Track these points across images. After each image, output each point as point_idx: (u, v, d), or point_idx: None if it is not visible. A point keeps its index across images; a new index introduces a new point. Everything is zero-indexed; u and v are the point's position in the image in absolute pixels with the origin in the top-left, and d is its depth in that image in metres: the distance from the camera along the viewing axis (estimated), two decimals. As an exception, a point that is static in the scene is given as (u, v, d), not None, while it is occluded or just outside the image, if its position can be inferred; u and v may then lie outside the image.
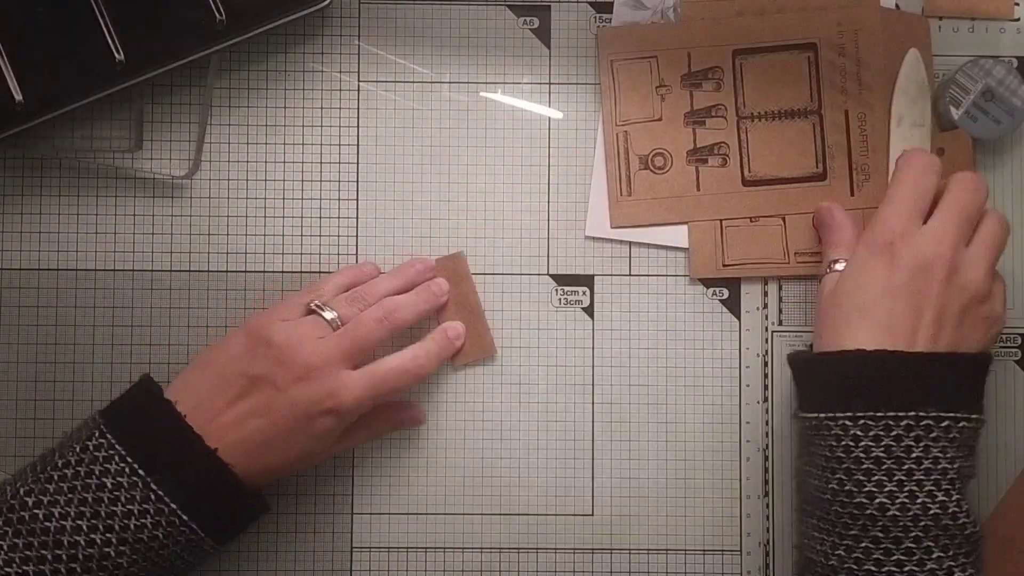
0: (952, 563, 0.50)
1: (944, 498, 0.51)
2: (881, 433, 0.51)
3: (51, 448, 0.53)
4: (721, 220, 0.62)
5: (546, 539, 0.61)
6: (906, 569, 0.50)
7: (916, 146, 0.60)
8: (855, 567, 0.51)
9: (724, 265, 0.62)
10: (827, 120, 0.62)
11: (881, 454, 0.51)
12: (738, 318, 0.62)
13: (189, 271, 0.62)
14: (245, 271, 0.62)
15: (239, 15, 0.59)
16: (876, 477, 0.51)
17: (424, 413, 0.61)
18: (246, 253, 0.62)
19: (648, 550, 0.61)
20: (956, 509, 0.51)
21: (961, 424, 0.52)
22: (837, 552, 0.52)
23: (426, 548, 0.61)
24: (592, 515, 0.61)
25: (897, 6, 0.63)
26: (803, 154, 0.62)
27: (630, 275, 0.62)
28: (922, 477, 0.51)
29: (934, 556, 0.50)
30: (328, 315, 0.56)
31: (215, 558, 0.61)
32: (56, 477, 0.51)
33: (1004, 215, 0.56)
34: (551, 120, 0.63)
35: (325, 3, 0.60)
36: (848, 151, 0.62)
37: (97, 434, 0.51)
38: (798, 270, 0.62)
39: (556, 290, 0.62)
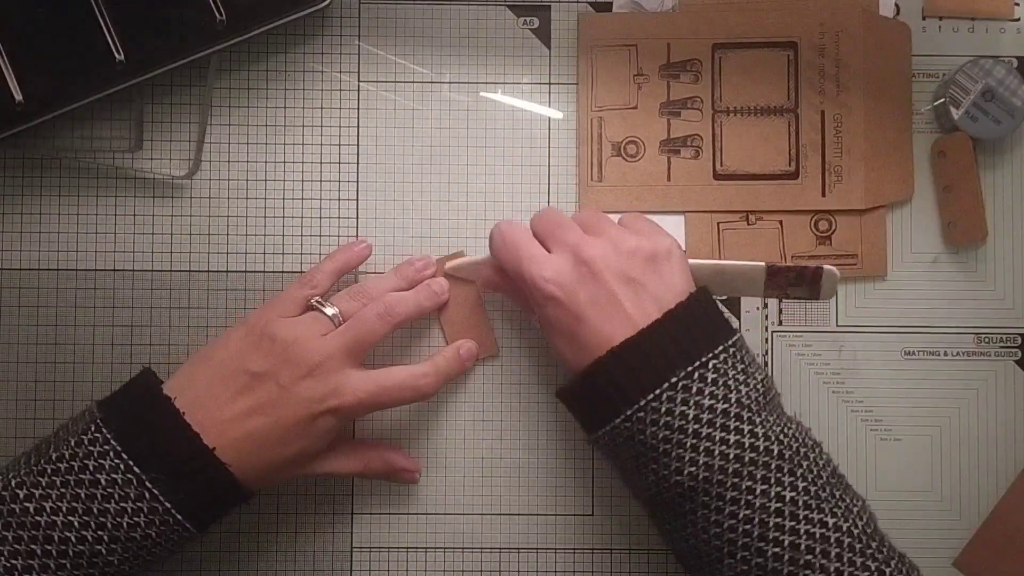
0: (779, 488, 0.49)
1: (737, 436, 0.50)
2: (655, 416, 0.50)
3: (46, 439, 0.53)
4: (718, 223, 0.62)
5: (546, 539, 0.61)
6: (740, 516, 0.49)
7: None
8: (708, 540, 0.50)
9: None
10: (803, 119, 0.62)
11: (665, 432, 0.50)
12: (738, 318, 0.62)
13: (189, 271, 0.62)
14: (245, 271, 0.62)
15: (239, 15, 0.59)
16: (674, 453, 0.50)
17: (419, 475, 0.61)
18: (246, 253, 0.62)
19: (648, 550, 0.61)
20: (752, 439, 0.50)
21: (712, 362, 0.51)
22: (684, 536, 0.51)
23: (426, 548, 0.61)
24: (592, 515, 0.61)
25: (897, 7, 0.63)
26: (777, 152, 0.62)
27: (630, 275, 0.62)
28: (708, 430, 0.50)
29: (756, 491, 0.49)
30: (329, 311, 0.56)
31: (215, 558, 0.61)
32: (49, 471, 0.50)
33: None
34: (551, 120, 0.63)
35: (325, 3, 0.60)
36: (822, 151, 0.62)
37: (93, 428, 0.51)
38: (797, 271, 0.62)
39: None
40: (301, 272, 0.61)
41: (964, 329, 0.62)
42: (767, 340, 0.62)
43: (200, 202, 0.62)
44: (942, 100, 0.61)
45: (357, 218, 0.62)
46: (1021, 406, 0.62)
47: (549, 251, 0.55)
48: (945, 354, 0.62)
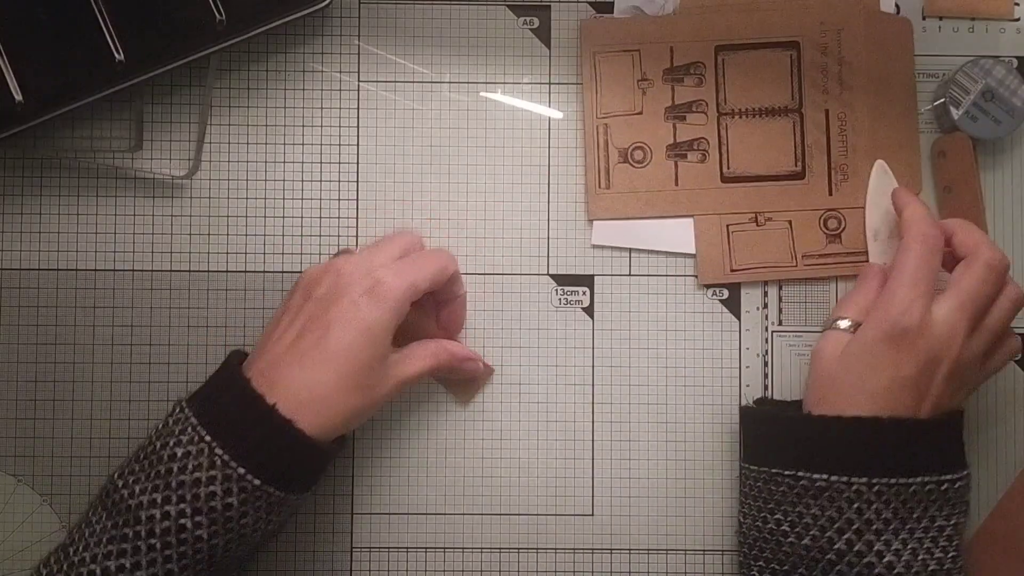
0: None
1: (941, 554, 0.52)
2: (892, 497, 0.52)
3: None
4: (727, 225, 0.62)
5: (546, 539, 0.61)
6: None
7: (921, 214, 0.57)
8: None
9: (732, 270, 0.62)
10: (807, 119, 0.62)
11: (890, 515, 0.52)
12: (738, 318, 0.62)
13: (189, 271, 0.62)
14: (245, 271, 0.62)
15: (239, 15, 0.59)
16: (884, 537, 0.52)
17: (485, 366, 0.61)
18: (246, 253, 0.62)
19: (648, 550, 0.61)
20: (951, 565, 0.53)
21: (957, 484, 0.53)
22: None
23: (426, 548, 0.61)
24: (592, 515, 0.61)
25: (897, 7, 0.63)
26: (782, 152, 0.62)
27: (630, 275, 0.62)
28: (922, 535, 0.52)
29: None
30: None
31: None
32: (141, 456, 0.52)
33: (1021, 289, 0.56)
34: (551, 120, 0.63)
35: (325, 3, 0.60)
36: (827, 150, 0.62)
37: (177, 409, 0.52)
38: (806, 273, 0.62)
39: (556, 290, 0.62)
40: (300, 272, 0.61)
41: (964, 329, 0.62)
42: (767, 340, 0.62)
43: (200, 202, 0.62)
44: (942, 100, 0.61)
45: (357, 218, 0.62)
46: (1021, 406, 0.62)
47: (947, 292, 0.55)
48: (945, 354, 0.62)
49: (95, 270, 0.61)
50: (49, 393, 0.61)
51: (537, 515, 0.61)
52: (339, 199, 0.62)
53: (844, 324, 0.56)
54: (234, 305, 0.61)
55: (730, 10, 0.62)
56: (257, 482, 0.50)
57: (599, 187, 0.62)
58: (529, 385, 0.62)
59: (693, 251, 0.62)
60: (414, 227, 0.62)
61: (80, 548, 0.50)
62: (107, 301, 0.61)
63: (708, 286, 0.62)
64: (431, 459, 0.62)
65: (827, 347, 0.56)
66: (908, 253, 0.55)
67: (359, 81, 0.62)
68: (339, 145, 0.62)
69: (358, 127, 0.62)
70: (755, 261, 0.62)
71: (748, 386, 0.62)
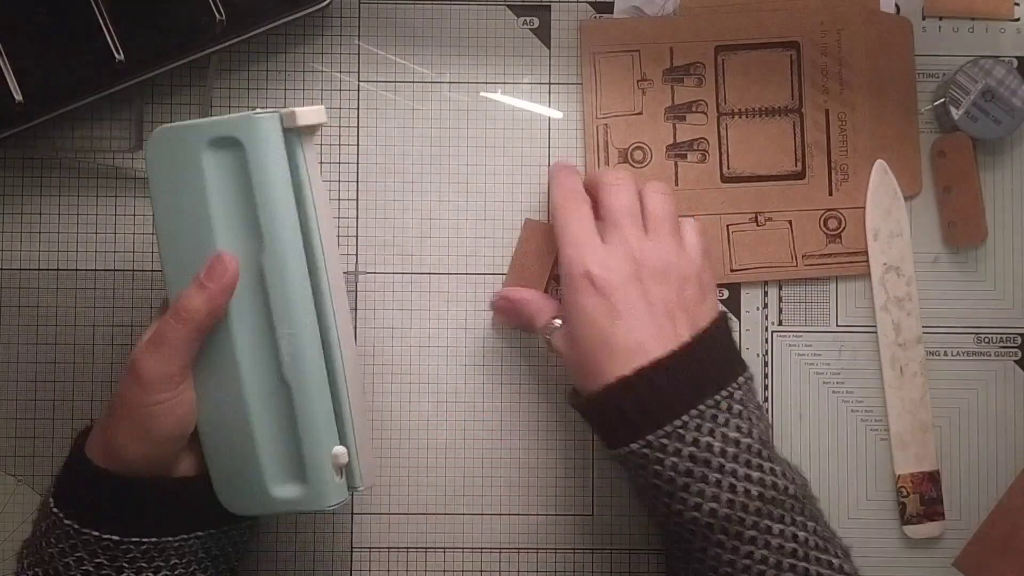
0: (793, 528, 0.49)
1: (759, 473, 0.49)
2: (679, 445, 0.49)
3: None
4: (727, 225, 0.62)
5: (546, 539, 0.61)
6: (756, 556, 0.48)
7: (560, 165, 0.59)
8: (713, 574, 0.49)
9: (732, 270, 0.62)
10: (807, 119, 0.62)
11: (688, 464, 0.49)
12: (738, 318, 0.62)
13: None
14: (245, 271, 0.62)
15: (239, 15, 0.59)
16: (694, 488, 0.49)
17: None
18: (246, 253, 0.62)
19: (648, 550, 0.61)
20: (773, 477, 0.49)
21: (736, 393, 0.51)
22: (693, 567, 0.50)
23: (426, 548, 0.61)
24: (592, 515, 0.62)
25: (897, 7, 0.63)
26: (783, 152, 0.62)
27: (630, 275, 0.62)
28: (733, 464, 0.49)
29: (774, 531, 0.48)
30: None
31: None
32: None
33: (659, 183, 0.57)
34: (551, 120, 0.63)
35: (325, 3, 0.60)
36: (828, 150, 0.62)
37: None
38: (806, 273, 0.62)
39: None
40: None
41: (964, 329, 0.63)
42: (767, 340, 0.62)
43: (200, 202, 0.62)
44: (942, 100, 0.61)
45: (357, 218, 0.62)
46: (1021, 406, 0.62)
47: (605, 230, 0.54)
48: (945, 354, 0.62)
49: (95, 270, 0.61)
50: (49, 393, 0.61)
51: (537, 515, 0.61)
52: (339, 199, 0.62)
53: (557, 322, 0.55)
54: (234, 305, 0.61)
55: (730, 10, 0.62)
56: (91, 531, 0.48)
57: (599, 187, 0.62)
58: (529, 385, 0.62)
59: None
60: (414, 227, 0.62)
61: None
62: (107, 301, 0.61)
63: (708, 286, 0.62)
64: (431, 459, 0.61)
65: (559, 348, 0.55)
66: (556, 212, 0.55)
67: (359, 81, 0.62)
68: (339, 145, 0.62)
69: (358, 127, 0.62)
70: (755, 261, 0.62)
71: (748, 386, 0.62)
